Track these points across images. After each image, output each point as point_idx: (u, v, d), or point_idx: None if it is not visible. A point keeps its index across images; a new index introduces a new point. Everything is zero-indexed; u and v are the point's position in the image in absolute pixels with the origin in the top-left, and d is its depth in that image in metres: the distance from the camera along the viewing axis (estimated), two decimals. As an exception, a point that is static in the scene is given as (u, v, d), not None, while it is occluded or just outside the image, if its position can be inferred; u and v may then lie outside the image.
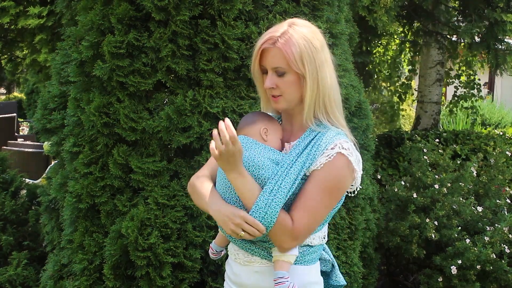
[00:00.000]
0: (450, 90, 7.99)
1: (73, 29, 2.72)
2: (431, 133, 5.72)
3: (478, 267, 3.27)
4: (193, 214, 2.48)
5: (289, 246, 1.51)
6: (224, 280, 1.76)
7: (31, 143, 6.61)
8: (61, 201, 2.75)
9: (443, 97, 7.62)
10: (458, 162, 4.07)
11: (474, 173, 3.88)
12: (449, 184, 3.64)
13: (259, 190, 1.49)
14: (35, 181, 4.60)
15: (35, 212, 3.53)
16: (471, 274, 3.27)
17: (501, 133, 6.05)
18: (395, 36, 7.67)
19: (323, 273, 1.71)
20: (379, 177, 4.45)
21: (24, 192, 3.74)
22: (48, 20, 4.76)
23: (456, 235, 3.40)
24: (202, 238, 2.45)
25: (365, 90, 3.74)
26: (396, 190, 3.72)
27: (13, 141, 7.05)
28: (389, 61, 8.02)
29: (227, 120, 1.40)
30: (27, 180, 3.97)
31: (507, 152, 4.40)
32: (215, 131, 1.40)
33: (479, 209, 3.61)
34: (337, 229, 2.88)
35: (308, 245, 1.60)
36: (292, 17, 1.63)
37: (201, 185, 1.62)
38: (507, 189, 3.98)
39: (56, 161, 3.02)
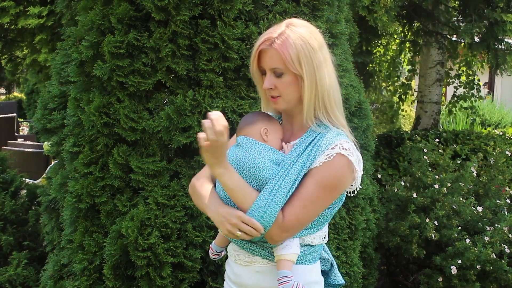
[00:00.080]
0: (450, 90, 7.99)
1: (73, 29, 2.72)
2: (431, 133, 5.72)
3: (478, 267, 3.27)
4: (193, 214, 2.48)
5: (279, 238, 1.51)
6: (224, 280, 1.76)
7: (31, 143, 6.61)
8: (61, 201, 2.75)
9: (443, 97, 7.62)
10: (458, 162, 4.07)
11: (474, 173, 3.88)
12: (449, 184, 3.64)
13: (246, 186, 1.49)
14: (35, 181, 4.60)
15: (35, 212, 3.53)
16: (471, 274, 3.27)
17: (501, 133, 6.05)
18: (395, 36, 7.68)
19: (322, 272, 1.71)
20: (379, 177, 4.44)
21: (24, 192, 3.74)
22: (48, 20, 4.76)
23: (456, 235, 3.40)
24: (202, 238, 2.45)
25: (365, 90, 3.74)
26: (396, 190, 3.72)
27: (13, 141, 7.06)
28: (389, 61, 8.03)
29: (218, 112, 1.39)
30: (27, 180, 3.97)
31: (507, 152, 4.40)
32: (206, 120, 1.39)
33: (479, 209, 3.61)
34: (337, 229, 2.88)
35: (308, 245, 1.60)
36: (292, 17, 1.63)
37: (201, 186, 1.62)
38: (507, 189, 3.98)
39: (56, 161, 3.02)
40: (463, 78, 7.21)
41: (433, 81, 6.48)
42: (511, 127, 10.39)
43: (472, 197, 3.65)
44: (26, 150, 5.82)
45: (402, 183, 3.80)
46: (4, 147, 6.06)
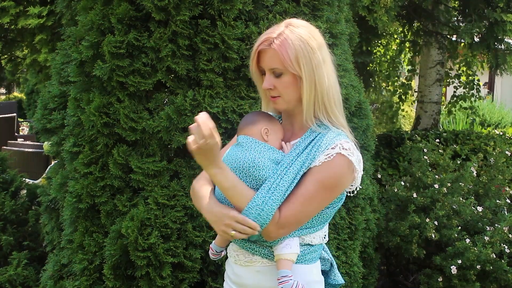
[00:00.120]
0: (450, 90, 7.99)
1: (73, 29, 2.72)
2: (431, 133, 5.72)
3: (478, 267, 3.27)
4: (193, 214, 2.48)
5: (276, 235, 1.51)
6: (224, 280, 1.76)
7: (31, 143, 6.60)
8: (61, 201, 2.75)
9: (443, 97, 7.62)
10: (458, 162, 4.07)
11: (474, 173, 3.88)
12: (449, 184, 3.64)
13: (242, 184, 1.49)
14: (35, 181, 4.60)
15: (35, 212, 3.53)
16: (471, 274, 3.27)
17: (501, 133, 6.05)
18: (395, 36, 7.68)
19: (321, 272, 1.71)
20: (379, 177, 4.44)
21: (24, 192, 3.74)
22: (48, 20, 4.76)
23: (456, 235, 3.40)
24: (202, 238, 2.45)
25: (365, 90, 3.74)
26: (396, 190, 3.72)
27: (13, 141, 7.05)
28: (389, 61, 8.03)
29: (204, 113, 1.38)
30: (27, 180, 3.97)
31: (507, 152, 4.40)
32: (193, 125, 1.38)
33: (479, 209, 3.61)
34: (337, 229, 2.88)
35: (308, 244, 1.60)
36: (292, 17, 1.63)
37: (200, 187, 1.63)
38: (507, 189, 3.98)
39: (56, 161, 3.02)
40: (463, 78, 7.22)
41: (433, 81, 6.48)
42: (511, 127, 10.39)
43: (472, 197, 3.65)
44: (26, 150, 5.82)
45: (402, 183, 3.80)
46: (4, 147, 6.06)
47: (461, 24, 5.97)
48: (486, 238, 3.36)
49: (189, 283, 2.47)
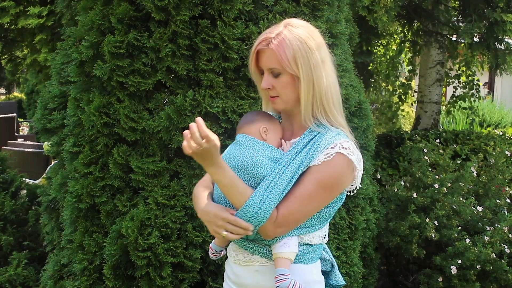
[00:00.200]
0: (449, 91, 8.00)
1: (73, 29, 2.72)
2: (431, 133, 5.72)
3: (478, 267, 3.27)
4: (193, 214, 2.47)
5: (273, 234, 1.52)
6: (224, 280, 1.76)
7: (31, 143, 6.61)
8: (61, 201, 2.75)
9: (443, 97, 7.63)
10: (458, 162, 4.07)
11: (474, 173, 3.88)
12: (449, 184, 3.64)
13: (241, 183, 1.49)
14: (35, 181, 4.60)
15: (35, 212, 3.53)
16: (471, 274, 3.27)
17: (501, 133, 6.05)
18: (395, 36, 7.68)
19: (322, 273, 1.71)
20: (379, 177, 4.44)
21: (24, 192, 3.74)
22: (48, 20, 4.76)
23: (456, 235, 3.40)
24: (202, 238, 2.45)
25: (365, 90, 3.74)
26: (396, 190, 3.72)
27: (13, 141, 7.06)
28: (388, 61, 8.03)
29: (199, 119, 1.38)
30: (27, 180, 3.97)
31: (506, 152, 4.40)
32: (186, 132, 1.38)
33: (479, 209, 3.61)
34: (337, 229, 2.88)
35: (307, 244, 1.59)
36: (292, 17, 1.63)
37: (199, 192, 1.63)
38: (507, 189, 3.98)
39: (56, 161, 3.02)
40: (463, 79, 7.22)
41: (433, 81, 6.48)
42: (511, 127, 10.39)
43: (472, 197, 3.65)
44: (26, 150, 5.82)
45: (402, 183, 3.80)
46: (4, 147, 6.06)
47: (461, 24, 5.97)
48: (486, 238, 3.36)
49: (189, 283, 2.47)
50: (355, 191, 1.63)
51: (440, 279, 3.38)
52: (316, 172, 1.50)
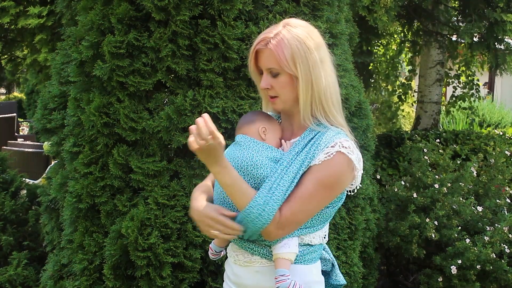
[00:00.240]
0: (449, 91, 8.00)
1: (73, 29, 2.72)
2: (431, 133, 5.72)
3: (478, 267, 3.27)
4: (193, 214, 2.47)
5: (275, 235, 1.51)
6: (224, 280, 1.76)
7: (31, 143, 6.61)
8: (61, 201, 2.75)
9: (443, 97, 7.63)
10: (458, 162, 4.07)
11: (474, 173, 3.88)
12: (449, 184, 3.65)
13: (244, 183, 1.49)
14: (35, 181, 4.60)
15: (35, 212, 3.53)
16: (471, 274, 3.27)
17: (501, 133, 6.05)
18: (395, 36, 7.68)
19: (323, 273, 1.70)
20: (379, 177, 4.45)
21: (24, 192, 3.75)
22: (48, 20, 4.76)
23: (456, 235, 3.40)
24: (202, 238, 2.45)
25: (365, 90, 3.74)
26: (396, 190, 3.72)
27: (13, 141, 7.06)
28: (388, 61, 8.04)
29: (206, 115, 1.38)
30: (27, 180, 3.97)
31: (506, 152, 4.40)
32: (192, 127, 1.38)
33: (479, 209, 3.61)
34: (337, 229, 2.88)
35: (308, 244, 1.59)
36: (291, 17, 1.63)
37: (195, 193, 1.63)
38: (507, 189, 3.98)
39: (56, 161, 3.02)
40: (462, 79, 7.22)
41: (433, 81, 6.48)
42: (511, 127, 10.40)
43: (472, 197, 3.65)
44: (26, 150, 5.83)
45: (402, 183, 3.80)
46: (4, 147, 6.06)
47: (461, 24, 5.97)
48: (486, 238, 3.36)
49: (189, 283, 2.47)
50: (355, 191, 1.63)
51: (440, 279, 3.38)
52: (317, 172, 1.50)
